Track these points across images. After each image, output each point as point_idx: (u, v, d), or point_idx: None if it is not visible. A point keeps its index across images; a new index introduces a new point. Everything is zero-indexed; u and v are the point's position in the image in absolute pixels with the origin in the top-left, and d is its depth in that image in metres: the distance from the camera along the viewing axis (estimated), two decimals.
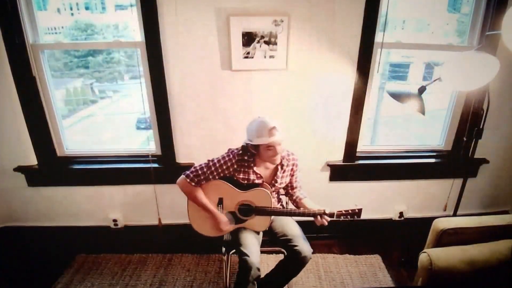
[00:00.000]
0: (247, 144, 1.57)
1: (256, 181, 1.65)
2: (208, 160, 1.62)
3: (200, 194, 1.62)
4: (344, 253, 2.33)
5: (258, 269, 1.55)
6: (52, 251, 2.34)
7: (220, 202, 1.67)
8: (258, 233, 1.74)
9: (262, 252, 2.21)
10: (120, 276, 2.12)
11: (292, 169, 1.73)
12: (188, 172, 1.61)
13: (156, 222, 2.39)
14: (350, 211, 1.60)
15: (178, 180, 1.63)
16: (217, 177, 1.62)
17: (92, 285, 2.05)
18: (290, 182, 1.77)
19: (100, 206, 2.38)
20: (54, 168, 2.25)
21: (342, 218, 1.62)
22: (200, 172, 1.59)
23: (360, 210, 1.60)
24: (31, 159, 2.21)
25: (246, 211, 1.67)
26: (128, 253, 2.32)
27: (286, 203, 1.95)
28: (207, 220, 1.69)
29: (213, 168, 1.60)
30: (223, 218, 1.65)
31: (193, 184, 1.59)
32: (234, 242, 1.67)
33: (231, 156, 1.61)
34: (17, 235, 2.44)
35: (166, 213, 2.40)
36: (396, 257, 2.29)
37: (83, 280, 2.09)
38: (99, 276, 2.12)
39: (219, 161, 1.61)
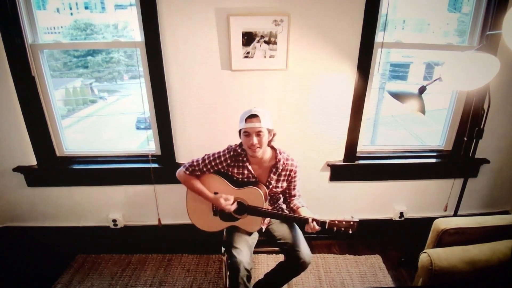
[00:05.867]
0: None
1: (250, 177, 1.67)
2: (205, 154, 1.69)
3: (197, 182, 1.69)
4: (344, 253, 2.33)
5: (247, 270, 1.53)
6: (52, 251, 2.34)
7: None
8: (250, 234, 1.73)
9: (262, 252, 2.24)
10: (120, 276, 2.12)
11: (289, 175, 1.69)
12: (185, 163, 1.71)
13: (156, 222, 2.39)
14: (344, 223, 1.51)
15: (177, 172, 1.73)
16: (211, 170, 1.68)
17: (92, 285, 2.05)
18: (288, 189, 1.74)
19: (100, 206, 2.38)
20: (53, 168, 2.24)
21: (334, 229, 1.52)
22: (195, 164, 1.68)
23: (355, 223, 1.50)
24: (31, 159, 2.20)
25: (239, 209, 1.67)
26: (128, 253, 2.32)
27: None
28: (205, 214, 1.73)
29: (207, 161, 1.66)
30: (221, 199, 1.62)
31: (188, 173, 1.68)
32: (227, 243, 1.67)
33: (226, 151, 1.66)
34: (17, 235, 2.44)
35: (166, 213, 2.39)
36: (396, 257, 2.29)
37: (83, 280, 2.08)
38: (99, 276, 2.12)
39: (213, 155, 1.67)
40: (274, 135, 1.64)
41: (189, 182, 1.70)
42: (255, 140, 1.53)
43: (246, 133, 1.55)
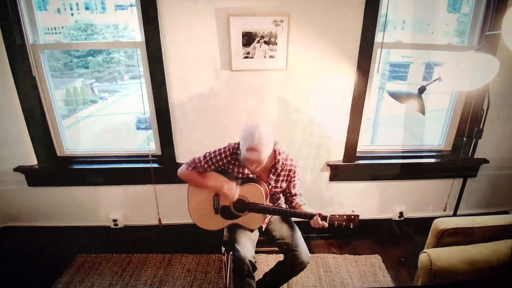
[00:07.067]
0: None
1: (251, 176, 1.68)
2: (206, 152, 1.70)
3: (199, 176, 1.71)
4: (344, 253, 2.33)
5: (251, 262, 1.54)
6: (52, 251, 2.34)
7: (216, 195, 1.71)
8: (252, 231, 1.74)
9: (262, 252, 2.24)
10: (120, 276, 2.12)
11: (289, 175, 1.69)
12: (187, 161, 1.73)
13: (156, 222, 2.39)
14: (345, 217, 1.52)
15: (179, 170, 1.74)
16: (212, 167, 1.69)
17: (92, 285, 2.05)
18: (288, 188, 1.74)
19: (100, 206, 2.38)
20: (54, 168, 2.25)
21: (336, 223, 1.52)
22: (197, 161, 1.69)
23: (356, 217, 1.51)
24: (31, 159, 2.21)
25: (240, 206, 1.68)
26: (128, 253, 2.32)
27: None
28: (207, 213, 1.74)
29: (208, 158, 1.67)
30: (224, 186, 1.63)
31: (190, 169, 1.70)
32: (229, 239, 1.69)
33: (226, 149, 1.66)
34: (17, 235, 2.44)
35: (166, 213, 2.40)
36: (396, 257, 2.29)
37: (83, 280, 2.09)
38: (99, 276, 2.12)
39: (214, 152, 1.68)
40: (275, 144, 1.59)
41: (191, 177, 1.71)
42: (254, 166, 1.54)
43: (246, 158, 1.51)
